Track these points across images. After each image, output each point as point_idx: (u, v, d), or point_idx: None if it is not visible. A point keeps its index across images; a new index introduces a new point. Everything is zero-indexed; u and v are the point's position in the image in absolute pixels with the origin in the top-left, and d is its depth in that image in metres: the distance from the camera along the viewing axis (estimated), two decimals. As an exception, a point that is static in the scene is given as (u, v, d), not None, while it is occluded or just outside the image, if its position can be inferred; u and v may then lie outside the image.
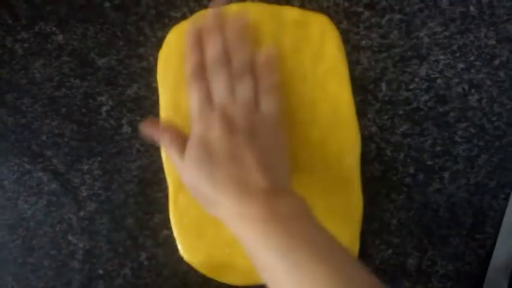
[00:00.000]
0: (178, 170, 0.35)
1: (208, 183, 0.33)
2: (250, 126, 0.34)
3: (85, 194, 0.43)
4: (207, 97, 0.35)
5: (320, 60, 0.40)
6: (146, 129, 0.37)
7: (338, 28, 0.41)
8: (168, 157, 0.40)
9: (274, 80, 0.36)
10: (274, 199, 0.31)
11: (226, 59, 0.36)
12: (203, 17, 0.38)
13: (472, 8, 0.43)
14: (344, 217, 0.41)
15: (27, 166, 0.43)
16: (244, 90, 0.35)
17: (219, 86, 0.35)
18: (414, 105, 0.43)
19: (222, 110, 0.34)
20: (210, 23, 0.37)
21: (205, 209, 0.35)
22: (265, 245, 0.29)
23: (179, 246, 0.41)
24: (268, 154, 0.34)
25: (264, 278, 0.30)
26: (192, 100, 0.36)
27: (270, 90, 0.36)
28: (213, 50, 0.36)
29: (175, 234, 0.41)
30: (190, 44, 0.36)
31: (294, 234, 0.29)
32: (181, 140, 0.35)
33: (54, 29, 0.42)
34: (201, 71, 0.36)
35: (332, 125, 0.40)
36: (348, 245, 0.41)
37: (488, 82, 0.43)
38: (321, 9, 0.41)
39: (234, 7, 0.40)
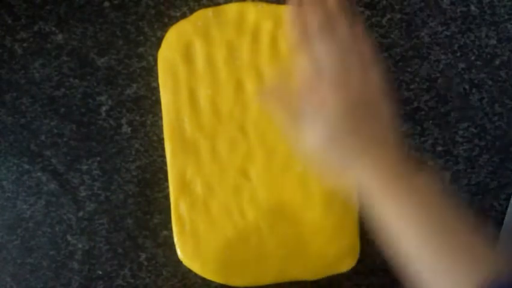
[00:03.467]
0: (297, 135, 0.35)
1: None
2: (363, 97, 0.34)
3: (84, 194, 0.43)
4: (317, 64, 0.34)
5: None
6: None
7: (338, 27, 0.40)
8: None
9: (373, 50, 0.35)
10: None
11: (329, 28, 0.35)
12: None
13: (472, 8, 0.42)
14: (342, 217, 0.41)
15: (26, 166, 0.43)
16: (354, 60, 0.34)
17: (327, 55, 0.34)
18: (415, 105, 0.43)
19: (335, 79, 0.34)
20: None
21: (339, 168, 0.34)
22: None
23: (178, 251, 0.41)
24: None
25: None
26: (302, 67, 0.35)
27: (374, 60, 0.35)
28: (317, 18, 0.34)
29: (175, 239, 0.41)
30: (295, 13, 0.35)
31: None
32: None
33: (53, 28, 0.41)
34: (306, 39, 0.34)
35: None
36: (348, 244, 0.41)
37: (489, 82, 0.43)
38: (321, 9, 0.41)
39: (234, 7, 0.40)
